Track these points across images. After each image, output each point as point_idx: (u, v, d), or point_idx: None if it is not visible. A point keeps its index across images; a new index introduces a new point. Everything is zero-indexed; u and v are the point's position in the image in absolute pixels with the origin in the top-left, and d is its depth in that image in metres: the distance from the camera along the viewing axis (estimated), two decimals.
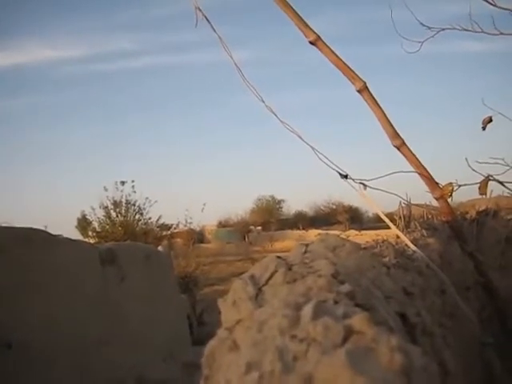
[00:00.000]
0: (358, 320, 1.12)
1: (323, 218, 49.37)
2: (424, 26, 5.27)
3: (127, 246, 9.88)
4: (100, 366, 7.03)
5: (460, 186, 3.33)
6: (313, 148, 3.17)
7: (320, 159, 3.13)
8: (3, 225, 6.83)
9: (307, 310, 1.18)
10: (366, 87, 3.07)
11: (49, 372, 6.17)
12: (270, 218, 45.67)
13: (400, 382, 0.93)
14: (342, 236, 2.56)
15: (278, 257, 1.90)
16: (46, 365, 6.17)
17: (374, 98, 3.08)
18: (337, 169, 3.11)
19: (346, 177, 3.09)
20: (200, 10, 3.28)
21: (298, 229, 42.32)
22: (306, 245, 2.19)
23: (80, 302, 7.10)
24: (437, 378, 0.94)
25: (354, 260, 1.98)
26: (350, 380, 0.86)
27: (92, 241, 20.09)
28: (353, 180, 3.06)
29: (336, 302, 1.37)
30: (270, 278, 1.67)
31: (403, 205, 5.83)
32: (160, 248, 13.22)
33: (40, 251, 6.59)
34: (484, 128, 4.05)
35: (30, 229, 6.50)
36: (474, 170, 3.47)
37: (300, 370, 1.00)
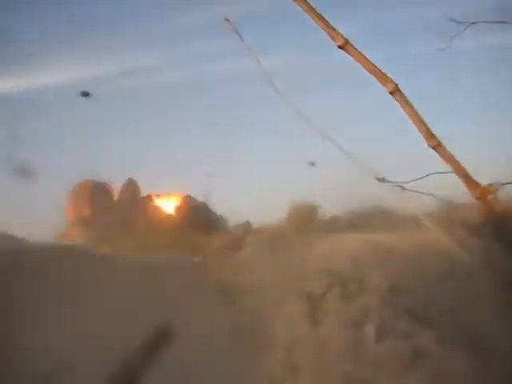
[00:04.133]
0: (426, 339, 1.06)
1: (358, 223, 48.79)
2: (453, 21, 5.16)
3: (166, 258, 9.91)
4: None
5: (503, 184, 3.23)
6: (347, 153, 3.11)
7: (355, 164, 3.07)
8: None
9: (370, 330, 1.13)
10: (398, 88, 3.00)
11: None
12: (306, 224, 45.33)
13: None
14: (379, 240, 2.50)
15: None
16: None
17: (406, 98, 3.02)
18: (373, 172, 3.05)
19: (382, 180, 3.03)
20: (228, 21, 3.26)
21: (334, 233, 41.91)
22: (352, 254, 2.14)
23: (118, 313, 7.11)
24: None
25: (408, 270, 1.92)
26: None
27: None
28: (390, 183, 3.00)
29: (396, 319, 1.31)
30: (325, 293, 1.63)
31: (442, 206, 5.72)
32: (196, 259, 13.25)
33: (77, 267, 6.64)
34: None
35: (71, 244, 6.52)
36: None
37: None
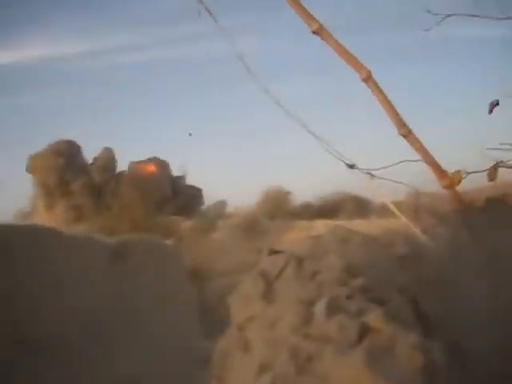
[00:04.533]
0: (374, 317, 1.09)
1: (329, 209, 49.13)
2: (430, 12, 5.18)
3: (137, 240, 9.85)
4: (114, 361, 7.02)
5: (469, 173, 3.27)
6: (319, 138, 3.11)
7: (327, 150, 3.08)
8: None
9: (320, 307, 1.15)
10: (371, 76, 3.00)
11: (63, 367, 6.17)
12: (278, 209, 45.51)
13: (421, 381, 0.89)
14: (350, 227, 2.53)
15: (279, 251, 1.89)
16: (60, 360, 6.17)
17: (378, 86, 3.02)
18: (343, 159, 3.06)
19: (352, 167, 3.05)
20: (202, 3, 3.23)
21: (304, 220, 42.16)
22: (315, 238, 2.16)
23: (89, 297, 7.09)
24: (457, 374, 0.91)
25: (365, 252, 1.94)
26: (370, 381, 0.82)
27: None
28: (359, 170, 3.01)
29: (349, 297, 1.34)
30: (281, 273, 1.65)
31: (411, 194, 5.76)
32: (169, 242, 13.20)
33: (47, 248, 6.57)
34: (491, 111, 3.96)
35: (39, 226, 6.47)
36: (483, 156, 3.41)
37: (315, 371, 0.96)
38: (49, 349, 6.08)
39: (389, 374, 0.83)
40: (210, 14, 3.31)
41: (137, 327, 7.92)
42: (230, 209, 48.37)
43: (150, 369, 7.58)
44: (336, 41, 3.02)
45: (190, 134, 43.52)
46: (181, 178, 49.66)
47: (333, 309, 1.15)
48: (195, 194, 50.67)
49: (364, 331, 1.04)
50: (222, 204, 49.27)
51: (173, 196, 47.43)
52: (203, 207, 50.17)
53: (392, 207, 3.07)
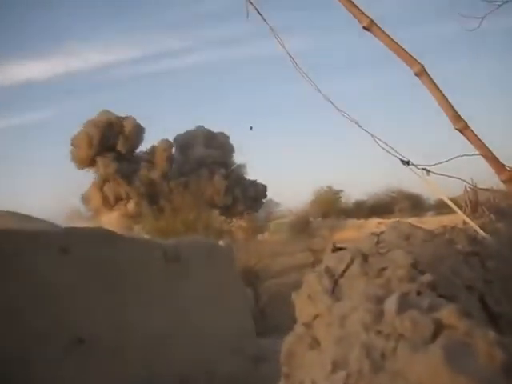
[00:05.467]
0: (448, 313, 1.05)
1: (383, 207, 48.57)
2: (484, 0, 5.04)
3: (190, 241, 9.96)
4: (168, 362, 7.12)
5: None
6: (372, 135, 3.07)
7: (380, 146, 3.03)
8: None
9: (391, 304, 1.12)
10: (424, 70, 2.93)
11: (117, 366, 6.30)
12: (330, 208, 45.28)
13: (502, 378, 0.85)
14: (406, 222, 2.49)
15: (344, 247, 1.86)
16: (115, 359, 6.29)
17: (432, 80, 2.94)
18: (398, 155, 3.00)
19: (407, 163, 2.98)
20: (251, 3, 3.23)
21: (358, 218, 41.85)
22: (378, 234, 2.12)
23: (145, 299, 7.21)
24: None
25: (430, 248, 1.89)
26: (449, 379, 0.79)
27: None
28: (415, 166, 2.95)
29: (419, 294, 1.30)
30: (346, 269, 1.62)
31: (468, 190, 5.62)
32: (221, 243, 13.29)
33: (106, 250, 6.72)
34: None
35: (97, 228, 6.63)
36: None
37: (390, 368, 0.94)
38: (106, 347, 6.22)
39: (468, 371, 0.80)
40: (260, 14, 3.30)
41: (190, 326, 8.01)
42: (282, 208, 48.74)
43: (204, 368, 7.65)
44: (387, 35, 2.97)
45: (251, 128, 44.24)
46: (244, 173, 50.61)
47: (404, 305, 1.12)
48: (261, 190, 51.47)
49: (438, 327, 1.01)
50: (274, 204, 49.67)
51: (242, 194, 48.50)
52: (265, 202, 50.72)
53: (450, 203, 3.00)
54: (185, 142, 48.97)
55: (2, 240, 5.57)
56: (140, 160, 46.91)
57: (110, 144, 45.46)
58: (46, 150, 68.53)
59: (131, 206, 45.34)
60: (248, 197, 48.67)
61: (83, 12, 71.50)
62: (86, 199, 47.29)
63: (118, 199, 46.21)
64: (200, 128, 50.09)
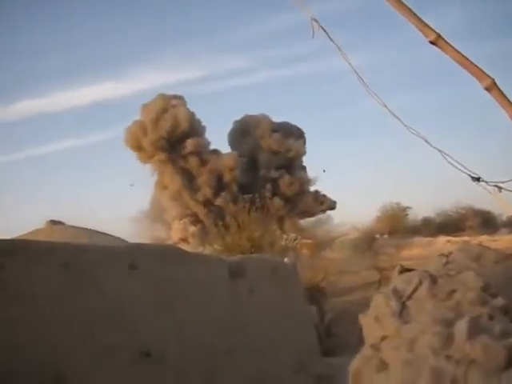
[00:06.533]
0: None
1: (452, 224, 47.38)
2: None
3: (255, 258, 10.02)
4: (230, 378, 7.14)
5: None
6: (440, 151, 3.02)
7: (449, 162, 2.97)
8: None
9: (461, 328, 1.10)
10: (495, 84, 2.85)
11: (181, 382, 6.37)
12: (396, 225, 44.54)
13: None
14: (475, 242, 2.41)
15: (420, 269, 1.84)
16: (179, 375, 6.37)
17: (504, 94, 2.87)
18: (468, 172, 2.93)
19: (478, 179, 2.91)
20: (316, 21, 3.25)
21: (425, 236, 40.95)
22: (447, 255, 2.08)
23: (210, 315, 7.28)
24: None
25: (502, 270, 1.83)
26: None
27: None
28: (486, 183, 2.87)
29: (491, 318, 1.26)
30: (414, 291, 1.59)
31: None
32: (286, 260, 13.29)
33: (172, 266, 6.84)
34: None
35: (164, 245, 6.76)
36: None
37: None
38: (170, 360, 6.33)
39: None
40: (325, 31, 3.32)
41: (253, 343, 8.02)
42: (348, 225, 48.25)
43: None
44: (455, 49, 2.92)
45: (324, 171, 45.30)
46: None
47: (475, 330, 1.09)
48: (331, 206, 51.49)
49: (511, 354, 0.98)
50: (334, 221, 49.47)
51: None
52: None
53: None
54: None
55: (74, 255, 5.77)
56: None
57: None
58: None
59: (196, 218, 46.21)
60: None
61: (146, 36, 73.80)
62: (160, 208, 48.46)
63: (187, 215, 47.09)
64: None
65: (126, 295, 6.12)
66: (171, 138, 46.31)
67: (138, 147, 47.04)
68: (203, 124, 48.83)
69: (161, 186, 49.11)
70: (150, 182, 49.80)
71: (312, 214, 50.53)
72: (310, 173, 52.08)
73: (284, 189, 48.24)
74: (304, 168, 51.98)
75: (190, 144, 46.54)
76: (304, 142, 51.60)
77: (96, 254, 6.06)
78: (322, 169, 48.72)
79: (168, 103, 47.50)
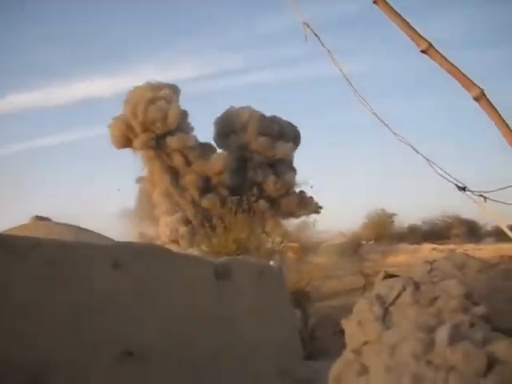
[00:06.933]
0: (503, 347, 1.03)
1: (437, 232, 47.60)
2: None
3: (241, 260, 10.01)
4: (213, 379, 7.13)
5: None
6: (427, 159, 3.03)
7: (436, 171, 2.99)
8: None
9: (442, 334, 1.11)
10: (484, 95, 2.87)
11: (163, 381, 6.35)
12: (383, 232, 44.66)
13: None
14: (461, 252, 2.43)
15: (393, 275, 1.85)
16: (161, 374, 6.36)
17: (492, 105, 2.88)
18: (454, 181, 2.95)
19: (464, 189, 2.93)
20: (308, 26, 3.26)
21: (411, 243, 41.11)
22: (431, 262, 2.10)
23: (194, 315, 7.26)
24: None
25: (485, 279, 1.86)
26: None
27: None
28: (472, 192, 2.89)
29: (472, 326, 1.28)
30: (397, 297, 1.61)
31: None
32: (272, 263, 13.30)
33: (157, 266, 6.82)
34: None
35: (149, 244, 6.74)
36: None
37: None
38: (152, 359, 6.32)
39: None
40: (317, 36, 3.33)
41: (237, 345, 8.02)
42: (334, 230, 48.30)
43: None
44: (445, 59, 2.93)
45: (312, 187, 45.78)
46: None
47: (456, 336, 1.10)
48: (316, 209, 51.55)
49: (492, 361, 0.99)
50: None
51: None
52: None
53: (507, 231, 2.92)
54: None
55: (58, 252, 5.74)
56: None
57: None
58: None
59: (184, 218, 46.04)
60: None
61: (142, 33, 73.68)
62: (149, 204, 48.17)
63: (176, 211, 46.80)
64: None
65: (109, 293, 6.09)
66: (158, 131, 45.73)
67: (124, 139, 46.46)
68: (190, 121, 48.21)
69: (150, 182, 48.80)
70: (136, 179, 49.57)
71: (295, 215, 50.46)
72: (299, 175, 52.02)
73: (269, 191, 48.13)
74: (293, 169, 51.76)
75: (174, 140, 45.95)
76: (297, 141, 51.19)
77: (80, 252, 6.03)
78: (310, 185, 48.98)
79: (157, 93, 46.84)
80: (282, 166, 50.47)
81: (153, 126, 45.47)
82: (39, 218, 14.63)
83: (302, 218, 50.48)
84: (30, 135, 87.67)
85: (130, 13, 70.28)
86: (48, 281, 5.43)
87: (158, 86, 47.67)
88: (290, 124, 50.86)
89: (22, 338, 5.03)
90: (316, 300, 21.98)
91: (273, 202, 47.77)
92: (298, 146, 51.27)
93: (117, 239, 11.67)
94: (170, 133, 46.10)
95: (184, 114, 47.21)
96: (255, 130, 48.87)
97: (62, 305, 5.50)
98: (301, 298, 19.59)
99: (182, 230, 45.30)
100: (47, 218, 14.87)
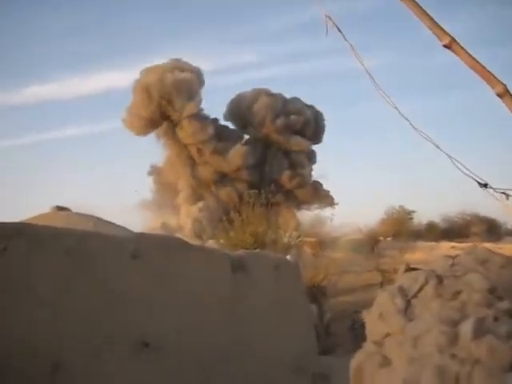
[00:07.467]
0: None
1: (456, 230, 47.23)
2: None
3: (258, 254, 10.00)
4: (228, 373, 7.14)
5: None
6: (449, 156, 3.00)
7: (457, 167, 2.95)
8: None
9: (467, 327, 1.09)
10: (507, 91, 2.83)
11: (177, 374, 6.38)
12: (401, 228, 44.44)
13: None
14: (483, 247, 2.40)
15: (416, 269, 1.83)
16: (177, 366, 6.38)
17: None
18: (475, 177, 2.91)
19: (485, 186, 2.89)
20: (330, 19, 3.23)
21: (429, 241, 40.87)
22: (453, 257, 2.07)
23: (210, 308, 7.28)
24: None
25: (509, 275, 1.82)
26: None
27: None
28: (493, 189, 2.85)
29: (496, 320, 1.26)
30: (420, 290, 1.59)
31: None
32: (289, 257, 13.28)
33: (175, 257, 6.84)
34: None
35: (168, 236, 6.76)
36: None
37: None
38: (168, 351, 6.35)
39: None
40: (340, 30, 3.30)
41: (251, 339, 8.02)
42: (352, 226, 48.18)
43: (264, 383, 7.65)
44: (469, 54, 2.89)
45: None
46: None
47: (480, 330, 1.09)
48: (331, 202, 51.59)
49: None
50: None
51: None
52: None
53: None
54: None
55: (77, 242, 5.78)
56: None
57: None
58: None
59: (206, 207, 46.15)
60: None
61: (159, 28, 73.98)
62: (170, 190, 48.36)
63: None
64: None
65: (127, 284, 6.13)
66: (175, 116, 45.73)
67: (145, 124, 46.53)
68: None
69: (171, 170, 48.86)
70: (154, 167, 49.71)
71: (310, 205, 50.47)
72: (317, 168, 51.99)
73: (285, 183, 48.13)
74: (312, 162, 51.68)
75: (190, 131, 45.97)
76: (320, 131, 51.03)
77: (99, 242, 6.07)
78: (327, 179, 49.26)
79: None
80: (301, 157, 50.47)
81: (173, 111, 45.65)
82: (59, 208, 14.76)
83: (317, 212, 50.50)
84: (51, 126, 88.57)
85: (149, 5, 70.51)
86: (66, 271, 5.48)
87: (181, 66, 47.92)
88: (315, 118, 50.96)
89: (43, 326, 5.09)
90: (332, 295, 21.96)
91: (288, 194, 47.81)
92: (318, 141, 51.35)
93: (138, 230, 11.75)
94: (190, 117, 46.15)
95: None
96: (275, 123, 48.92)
97: (80, 296, 5.55)
98: (317, 293, 19.60)
99: (201, 222, 45.47)
100: (67, 208, 15.00)
